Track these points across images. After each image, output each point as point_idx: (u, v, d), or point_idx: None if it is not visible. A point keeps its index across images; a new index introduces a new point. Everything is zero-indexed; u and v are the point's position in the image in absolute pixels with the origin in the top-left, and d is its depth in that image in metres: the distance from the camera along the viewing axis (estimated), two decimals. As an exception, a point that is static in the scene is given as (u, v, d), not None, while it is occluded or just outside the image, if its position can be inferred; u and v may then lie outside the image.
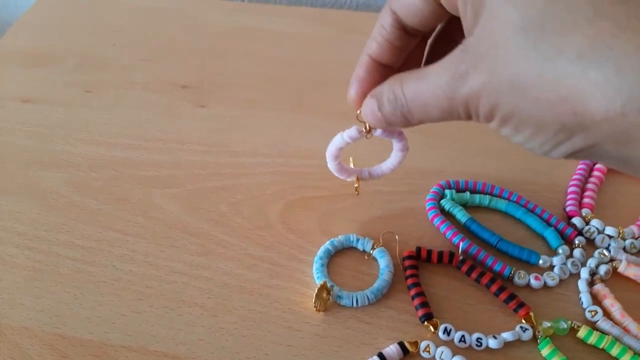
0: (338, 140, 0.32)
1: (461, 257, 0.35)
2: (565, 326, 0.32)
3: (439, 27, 0.28)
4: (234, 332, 0.33)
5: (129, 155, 0.43)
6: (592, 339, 0.32)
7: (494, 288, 0.34)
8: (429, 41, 0.29)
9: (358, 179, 0.36)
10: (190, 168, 0.42)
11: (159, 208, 0.39)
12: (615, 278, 0.35)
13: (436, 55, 0.27)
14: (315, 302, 0.33)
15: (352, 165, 0.36)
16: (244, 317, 0.33)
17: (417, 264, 0.35)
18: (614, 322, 0.33)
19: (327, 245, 0.36)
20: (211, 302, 0.34)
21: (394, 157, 0.34)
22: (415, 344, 0.32)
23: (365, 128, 0.30)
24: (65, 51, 0.53)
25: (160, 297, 0.34)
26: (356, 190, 0.35)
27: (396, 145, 0.33)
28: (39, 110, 0.47)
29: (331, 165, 0.34)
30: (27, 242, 0.37)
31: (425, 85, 0.23)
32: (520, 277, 0.34)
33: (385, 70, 0.28)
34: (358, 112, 0.29)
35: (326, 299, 0.33)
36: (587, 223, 0.38)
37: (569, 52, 0.18)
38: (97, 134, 0.44)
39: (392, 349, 0.31)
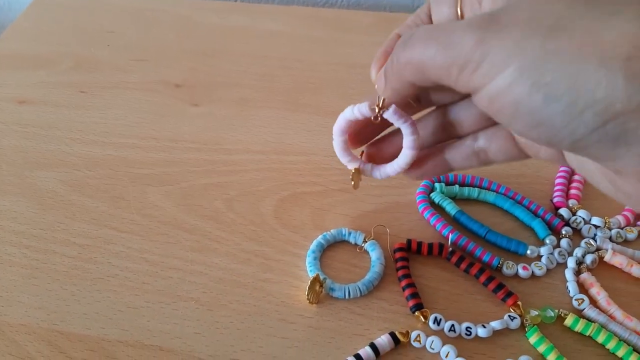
0: (348, 112, 0.29)
1: (450, 249, 0.36)
2: (553, 314, 0.33)
3: None
4: (229, 325, 0.33)
5: (124, 154, 0.43)
6: (579, 327, 0.33)
7: (482, 278, 0.34)
8: None
9: (358, 171, 0.32)
10: (184, 166, 0.42)
11: (153, 205, 0.40)
12: (601, 267, 0.36)
13: None
14: (308, 295, 0.34)
15: (362, 158, 0.33)
16: (238, 310, 0.34)
17: (407, 256, 0.36)
18: (600, 310, 0.34)
19: (319, 239, 0.37)
20: (206, 296, 0.35)
21: (402, 156, 0.30)
22: (406, 334, 0.32)
23: (379, 105, 0.28)
24: (60, 53, 0.53)
25: (156, 292, 0.35)
26: (353, 181, 0.32)
27: (406, 139, 0.29)
28: (35, 111, 0.47)
29: (336, 141, 0.31)
30: (24, 241, 0.37)
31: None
32: (509, 267, 0.35)
33: None
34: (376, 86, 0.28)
35: (319, 292, 0.34)
36: (574, 214, 0.38)
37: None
38: (92, 133, 0.45)
39: (383, 339, 0.32)
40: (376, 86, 0.28)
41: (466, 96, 0.28)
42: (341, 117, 0.30)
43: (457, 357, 0.31)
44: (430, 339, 0.32)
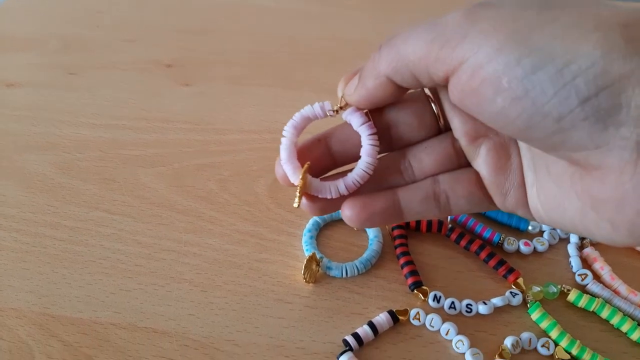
0: (307, 110, 0.26)
1: (450, 225, 0.35)
2: (555, 290, 0.32)
3: None
4: (224, 306, 0.33)
5: (115, 136, 0.42)
6: (582, 302, 0.32)
7: (483, 255, 0.34)
8: None
9: (304, 182, 0.24)
10: (176, 146, 0.41)
11: (145, 187, 0.39)
12: (605, 241, 0.35)
13: None
14: (304, 274, 0.33)
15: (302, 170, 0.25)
16: (233, 291, 0.33)
17: (406, 234, 0.35)
18: (604, 284, 0.33)
19: (315, 217, 0.36)
20: (200, 277, 0.34)
21: (358, 167, 0.25)
22: (405, 312, 0.31)
23: (341, 106, 0.25)
24: (49, 34, 0.52)
25: (148, 274, 0.34)
26: (297, 199, 0.24)
27: (365, 146, 0.25)
28: (23, 93, 0.46)
29: (286, 143, 0.25)
30: (14, 225, 0.37)
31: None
32: (510, 243, 0.34)
33: None
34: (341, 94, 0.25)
35: (315, 271, 0.33)
36: (577, 188, 0.37)
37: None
38: (82, 115, 0.44)
39: (382, 318, 0.31)
40: (343, 92, 0.25)
41: (429, 135, 0.26)
42: (298, 115, 0.26)
43: (458, 334, 0.31)
44: (430, 316, 0.31)
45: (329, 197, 0.25)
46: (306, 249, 0.34)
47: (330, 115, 0.26)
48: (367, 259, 0.34)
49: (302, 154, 0.25)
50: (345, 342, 0.30)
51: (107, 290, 0.33)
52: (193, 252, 0.35)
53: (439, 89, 0.25)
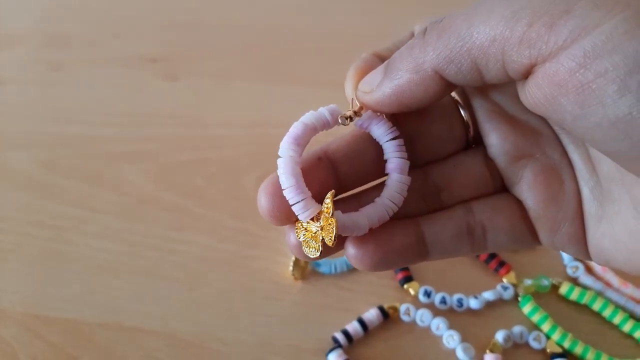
0: (310, 117, 0.19)
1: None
2: (547, 283, 0.32)
3: None
4: (212, 304, 0.32)
5: (99, 132, 0.41)
6: (574, 295, 0.31)
7: (474, 248, 0.33)
8: None
9: (332, 227, 0.17)
10: (162, 142, 0.41)
11: (131, 184, 0.38)
12: (596, 233, 0.35)
13: None
14: (293, 271, 0.32)
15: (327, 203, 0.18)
16: (221, 289, 0.33)
17: (396, 228, 0.35)
18: (595, 277, 0.33)
19: (304, 213, 0.35)
20: (188, 275, 0.33)
21: (387, 191, 0.19)
22: (395, 308, 0.31)
23: (355, 111, 0.19)
24: (31, 31, 0.51)
25: (134, 273, 0.33)
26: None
27: (389, 141, 0.19)
28: (7, 91, 0.45)
29: (286, 162, 0.18)
30: (-3, 224, 0.36)
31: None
32: (501, 237, 0.34)
33: None
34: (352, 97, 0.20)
35: (304, 267, 0.33)
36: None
37: None
38: (66, 111, 0.43)
39: (372, 314, 0.31)
40: (354, 90, 0.20)
41: (457, 150, 0.21)
42: (300, 125, 0.19)
43: (449, 329, 0.30)
44: (420, 312, 0.31)
45: (360, 234, 0.18)
46: (295, 245, 0.34)
47: (343, 124, 0.19)
48: (357, 254, 0.33)
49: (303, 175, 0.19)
50: (335, 339, 0.30)
51: (93, 290, 0.33)
52: (180, 249, 0.34)
53: (472, 94, 0.20)
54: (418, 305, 0.31)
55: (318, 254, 0.18)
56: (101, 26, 0.51)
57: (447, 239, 0.19)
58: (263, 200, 0.18)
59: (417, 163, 0.20)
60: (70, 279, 0.33)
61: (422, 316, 0.31)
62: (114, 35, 0.50)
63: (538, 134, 0.20)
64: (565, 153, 0.20)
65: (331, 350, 0.29)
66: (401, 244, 0.19)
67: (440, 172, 0.20)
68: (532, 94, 0.16)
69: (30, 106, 0.44)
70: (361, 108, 0.19)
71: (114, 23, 0.51)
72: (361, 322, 0.30)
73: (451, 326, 0.30)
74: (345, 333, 0.30)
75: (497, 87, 0.20)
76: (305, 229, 0.18)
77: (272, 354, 0.30)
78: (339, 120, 0.19)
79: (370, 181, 0.20)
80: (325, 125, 0.19)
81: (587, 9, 0.14)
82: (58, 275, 0.33)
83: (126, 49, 0.48)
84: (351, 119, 0.19)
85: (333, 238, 0.17)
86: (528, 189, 0.19)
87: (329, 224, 0.17)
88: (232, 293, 0.32)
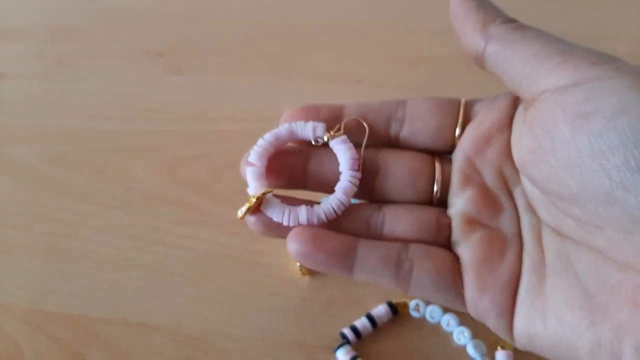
0: (299, 125, 0.24)
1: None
2: (559, 279, 0.31)
3: None
4: (218, 300, 0.32)
5: (104, 127, 0.41)
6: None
7: (484, 243, 0.33)
8: None
9: (259, 203, 0.23)
10: (167, 137, 0.40)
11: (136, 178, 0.38)
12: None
13: None
14: (300, 266, 0.32)
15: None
16: (227, 284, 0.32)
17: (404, 223, 0.34)
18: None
19: (311, 208, 0.35)
20: (193, 271, 0.33)
21: (341, 187, 0.23)
22: (405, 304, 0.31)
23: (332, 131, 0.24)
24: (36, 25, 0.51)
25: (140, 268, 0.33)
26: (244, 211, 0.23)
27: (347, 166, 0.23)
28: (11, 85, 0.45)
29: (258, 150, 0.25)
30: (2, 219, 0.36)
31: None
32: (512, 232, 0.33)
33: None
34: None
35: (312, 262, 0.32)
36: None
37: None
38: (71, 106, 0.43)
39: (380, 310, 0.30)
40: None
41: (415, 201, 0.23)
42: (286, 126, 0.24)
43: (459, 325, 0.30)
44: (429, 307, 0.30)
45: (284, 224, 0.22)
46: (302, 240, 0.34)
47: (316, 144, 0.23)
48: (365, 250, 0.33)
49: (277, 155, 0.24)
50: (343, 335, 0.29)
51: (97, 285, 0.32)
52: (186, 244, 0.34)
53: (459, 159, 0.23)
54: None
55: (240, 215, 0.23)
56: (107, 20, 0.51)
57: (374, 260, 0.21)
58: (241, 166, 0.25)
59: (374, 197, 0.23)
60: (75, 274, 0.33)
61: (432, 312, 0.30)
62: (119, 29, 0.50)
63: (501, 209, 0.22)
64: (519, 234, 0.21)
65: (339, 346, 0.29)
66: (333, 247, 0.21)
67: (393, 208, 0.23)
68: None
69: (35, 100, 0.43)
70: (338, 131, 0.23)
71: (120, 17, 0.51)
72: (370, 318, 0.30)
73: (462, 322, 0.30)
74: (354, 329, 0.29)
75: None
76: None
77: (279, 350, 0.30)
78: (316, 140, 0.23)
79: (328, 192, 0.23)
80: (304, 137, 0.24)
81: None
82: (63, 270, 0.33)
83: (132, 43, 0.48)
84: (327, 141, 0.23)
85: (248, 204, 0.23)
86: (469, 247, 0.21)
87: (249, 202, 0.23)
88: (238, 288, 0.32)
